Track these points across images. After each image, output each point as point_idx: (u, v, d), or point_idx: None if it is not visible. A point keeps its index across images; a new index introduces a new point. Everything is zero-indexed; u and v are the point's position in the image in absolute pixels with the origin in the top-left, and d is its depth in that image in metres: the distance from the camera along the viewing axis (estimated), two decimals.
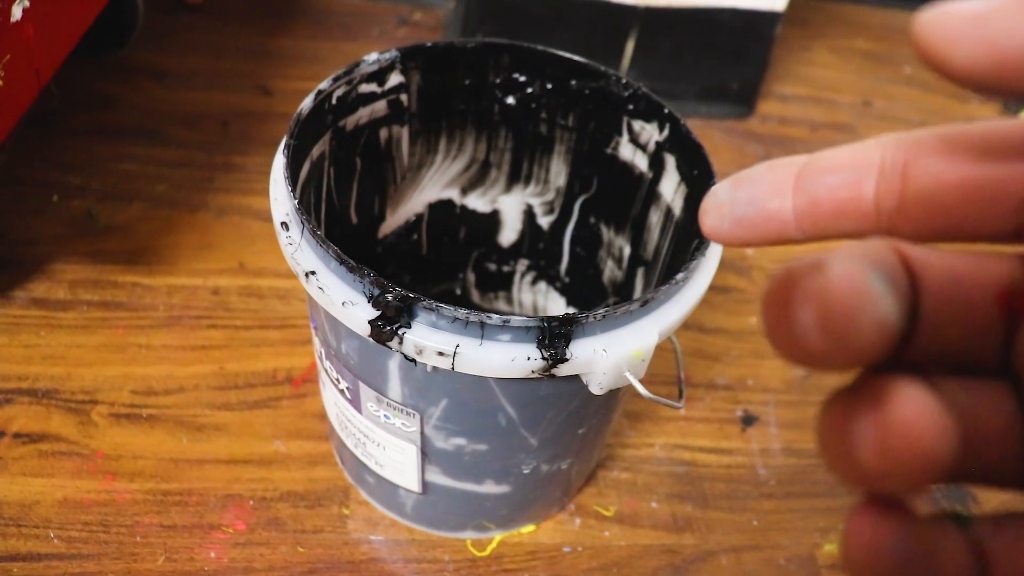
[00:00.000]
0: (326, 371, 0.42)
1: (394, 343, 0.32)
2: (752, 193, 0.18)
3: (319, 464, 0.50)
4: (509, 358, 0.32)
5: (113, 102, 0.70)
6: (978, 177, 0.16)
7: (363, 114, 0.44)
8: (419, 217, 0.51)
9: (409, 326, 0.32)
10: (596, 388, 0.34)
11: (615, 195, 0.48)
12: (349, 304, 0.33)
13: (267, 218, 0.63)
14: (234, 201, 0.64)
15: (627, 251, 0.49)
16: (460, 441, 0.39)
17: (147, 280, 0.57)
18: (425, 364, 0.34)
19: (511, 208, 0.52)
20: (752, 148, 0.79)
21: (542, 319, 0.32)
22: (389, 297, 0.32)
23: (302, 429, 0.51)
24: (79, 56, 0.65)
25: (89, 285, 0.57)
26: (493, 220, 0.53)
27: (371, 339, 0.33)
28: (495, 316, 0.31)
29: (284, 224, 0.35)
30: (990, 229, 0.16)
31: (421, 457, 0.41)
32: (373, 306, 0.32)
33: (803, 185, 0.17)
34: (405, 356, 0.33)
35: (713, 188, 0.19)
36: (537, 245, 0.53)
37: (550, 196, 0.51)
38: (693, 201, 0.42)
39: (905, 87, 0.91)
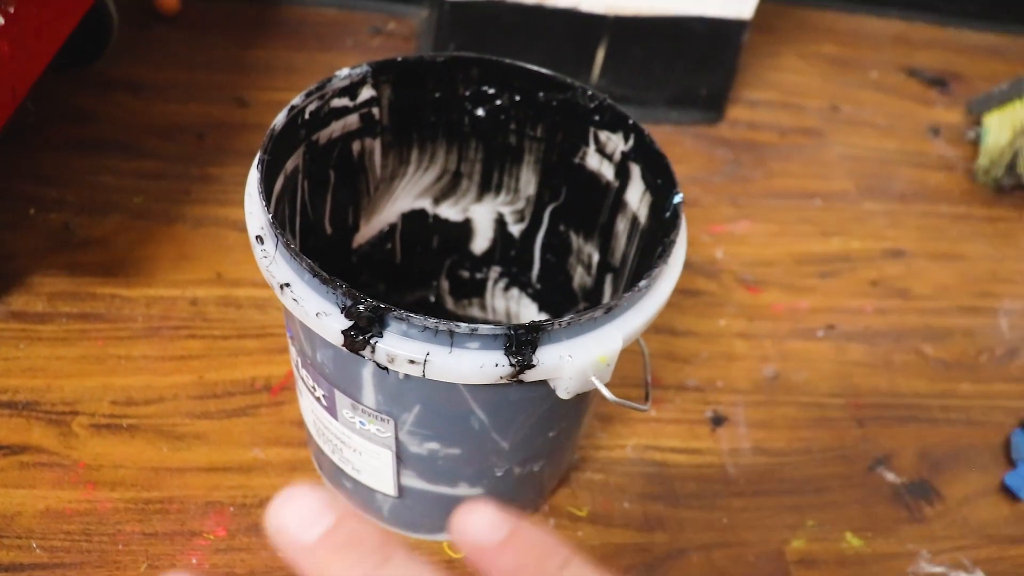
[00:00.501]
0: (302, 379, 0.43)
1: (367, 352, 0.33)
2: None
3: (297, 470, 0.51)
4: (478, 365, 0.33)
5: (89, 115, 0.70)
6: None
7: (336, 128, 0.45)
8: (392, 227, 0.52)
9: (381, 335, 0.33)
10: (563, 392, 0.35)
11: (583, 204, 0.49)
12: (323, 315, 0.34)
13: (244, 228, 0.63)
14: (211, 212, 0.64)
15: (596, 258, 0.50)
16: (434, 446, 0.41)
17: (125, 292, 0.58)
18: (397, 372, 0.35)
19: (483, 217, 0.53)
20: (721, 153, 0.80)
21: (509, 327, 0.33)
22: (361, 308, 0.33)
23: (281, 436, 0.52)
24: (54, 70, 0.65)
25: (67, 297, 0.57)
26: (465, 229, 0.54)
27: (344, 348, 0.34)
28: (463, 325, 0.32)
29: (259, 238, 0.36)
30: None
31: (396, 462, 0.42)
32: (346, 317, 0.33)
33: None
34: (378, 364, 0.34)
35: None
36: (509, 252, 0.55)
37: (520, 205, 0.52)
38: (657, 209, 0.43)
39: (872, 92, 0.93)
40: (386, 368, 0.34)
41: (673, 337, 0.63)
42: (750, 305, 0.67)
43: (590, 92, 0.45)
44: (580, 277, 0.52)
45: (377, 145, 0.48)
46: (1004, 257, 0.77)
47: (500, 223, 0.53)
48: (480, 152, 0.50)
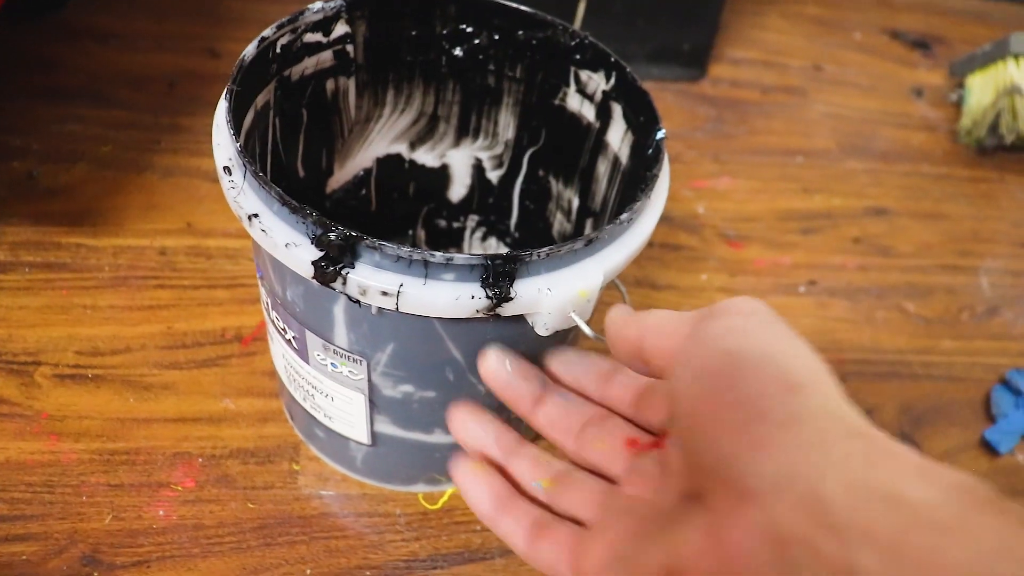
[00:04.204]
0: (273, 322, 0.41)
1: (337, 284, 0.32)
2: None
3: (269, 421, 0.49)
4: (453, 297, 0.32)
5: (55, 64, 0.68)
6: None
7: (308, 64, 0.43)
8: (367, 172, 0.51)
9: (352, 266, 0.32)
10: (542, 329, 0.34)
11: (563, 147, 0.48)
12: (292, 245, 0.32)
13: (215, 179, 0.62)
14: (181, 162, 0.63)
15: (576, 203, 0.49)
16: (408, 388, 0.39)
17: (92, 241, 0.56)
18: (370, 306, 0.33)
19: (460, 162, 0.52)
20: (704, 110, 0.79)
21: (486, 257, 0.31)
22: (332, 236, 0.31)
23: (252, 387, 0.51)
24: (18, 16, 0.63)
25: (31, 247, 0.55)
26: (442, 175, 0.52)
27: (315, 281, 0.32)
28: (438, 254, 0.31)
29: (226, 168, 0.35)
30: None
31: (370, 407, 0.41)
32: (316, 247, 0.32)
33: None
34: (349, 297, 0.33)
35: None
36: (487, 200, 0.53)
37: (499, 149, 0.51)
38: (639, 147, 0.42)
39: (855, 52, 0.92)
40: (358, 302, 0.33)
41: (654, 291, 0.62)
42: (732, 260, 0.66)
43: (571, 30, 0.44)
44: (560, 224, 0.51)
45: (352, 84, 0.46)
46: (985, 217, 0.77)
47: (478, 169, 0.52)
48: (458, 94, 0.48)
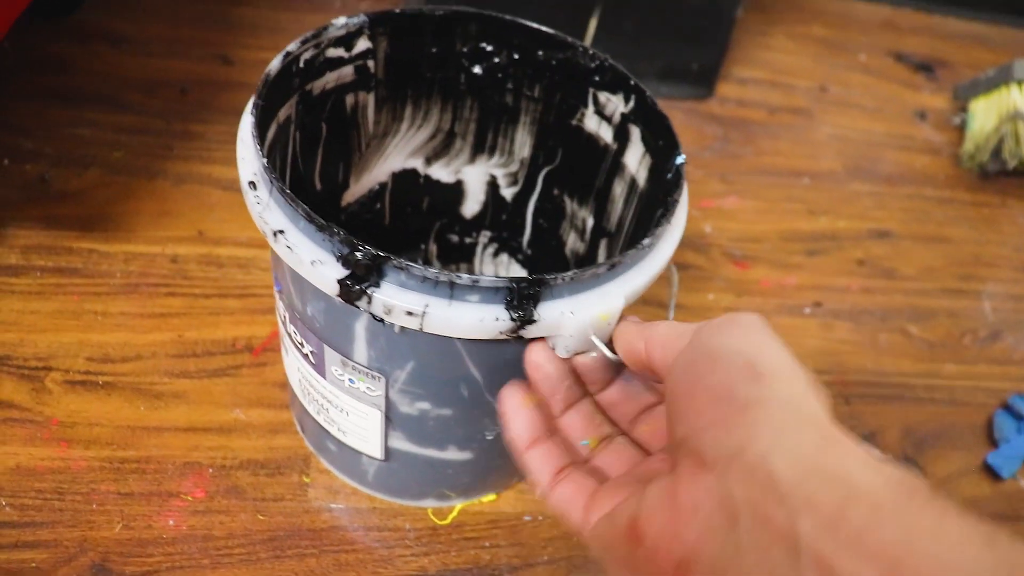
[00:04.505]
0: (290, 335, 0.41)
1: (362, 302, 0.32)
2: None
3: (279, 433, 0.50)
4: (478, 318, 0.32)
5: (68, 66, 0.68)
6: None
7: (330, 79, 0.44)
8: (383, 186, 0.51)
9: (378, 285, 0.32)
10: (562, 351, 0.34)
11: (579, 167, 0.48)
12: (318, 263, 0.32)
13: (227, 187, 0.62)
14: (194, 169, 0.63)
15: (590, 222, 0.49)
16: (425, 405, 0.40)
17: (103, 247, 0.56)
18: (393, 325, 0.34)
19: (475, 179, 0.52)
20: (711, 129, 0.80)
21: (511, 280, 0.32)
22: (359, 255, 0.32)
23: (262, 397, 0.51)
24: (32, 18, 0.63)
25: (43, 251, 0.55)
26: (457, 191, 0.53)
27: (339, 299, 0.33)
28: (464, 276, 0.31)
29: (252, 183, 0.35)
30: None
31: (385, 422, 0.41)
32: (343, 265, 0.32)
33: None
34: (373, 316, 0.33)
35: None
36: (500, 217, 0.54)
37: (514, 167, 0.51)
38: (657, 172, 0.42)
39: (860, 74, 0.93)
40: (382, 320, 0.33)
41: (661, 310, 0.62)
42: (738, 280, 0.66)
43: (591, 52, 0.44)
44: (573, 243, 0.51)
45: (371, 99, 0.46)
46: (988, 241, 0.77)
47: (492, 185, 0.52)
48: (475, 111, 0.49)
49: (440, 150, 0.51)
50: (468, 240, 0.55)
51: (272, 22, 0.78)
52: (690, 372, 0.27)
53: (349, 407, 0.41)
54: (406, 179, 0.51)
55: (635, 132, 0.44)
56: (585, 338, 0.34)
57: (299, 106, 0.42)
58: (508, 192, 0.52)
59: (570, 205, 0.50)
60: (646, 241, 0.35)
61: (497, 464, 0.46)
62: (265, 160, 0.34)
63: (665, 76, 0.80)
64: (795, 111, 0.85)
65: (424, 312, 0.32)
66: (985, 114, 0.84)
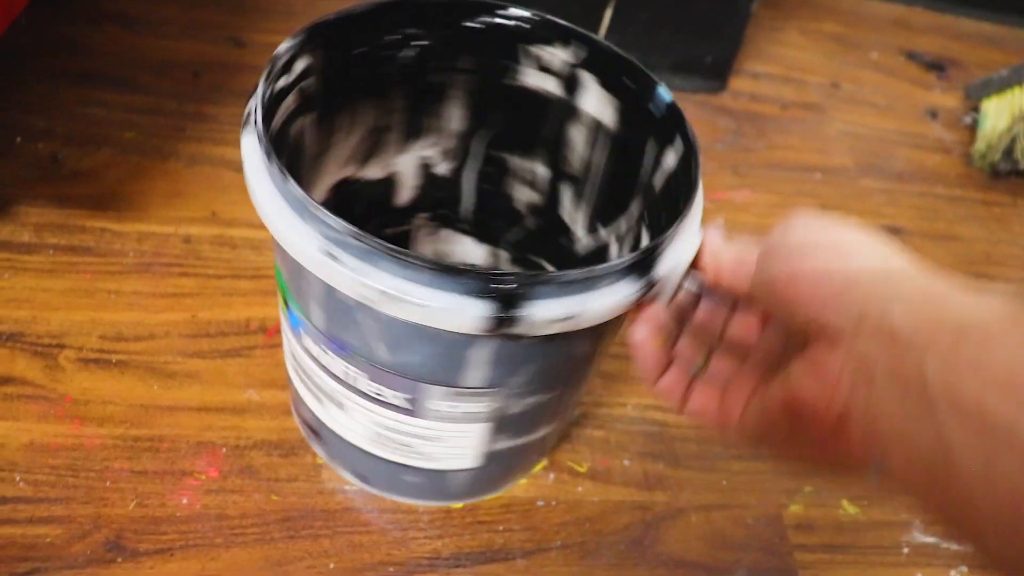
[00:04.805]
0: (358, 392, 0.40)
1: (509, 327, 0.32)
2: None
3: (292, 414, 0.49)
4: (616, 300, 0.34)
5: (80, 47, 0.68)
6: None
7: (281, 112, 0.40)
8: (325, 203, 0.49)
9: (523, 307, 0.32)
10: (662, 300, 0.37)
11: (521, 123, 0.48)
12: (448, 310, 0.32)
13: (239, 168, 0.61)
14: (206, 150, 0.62)
15: (541, 171, 0.49)
16: (534, 399, 0.40)
17: (116, 226, 0.56)
18: (521, 337, 0.34)
19: (407, 166, 0.51)
20: (724, 122, 0.80)
21: (635, 255, 0.34)
22: (505, 285, 0.31)
23: (276, 379, 0.51)
24: None
25: (55, 229, 0.55)
26: (389, 183, 0.51)
27: (482, 334, 0.32)
28: (599, 267, 0.33)
29: (331, 253, 0.34)
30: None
31: (491, 430, 0.41)
32: (488, 299, 0.32)
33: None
34: (506, 336, 0.33)
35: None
36: (434, 195, 0.52)
37: (449, 143, 0.50)
38: (633, 111, 0.43)
39: (872, 72, 0.93)
40: (519, 337, 0.33)
41: None
42: None
43: (519, 12, 0.44)
44: (523, 195, 0.51)
45: (309, 121, 0.44)
46: (998, 240, 0.77)
47: (425, 167, 0.51)
48: (405, 100, 0.47)
49: (373, 149, 0.49)
50: (404, 227, 0.54)
51: (285, 5, 0.77)
52: (784, 267, 0.30)
53: (445, 434, 0.41)
54: (343, 188, 0.49)
55: (587, 77, 0.44)
56: (678, 283, 0.37)
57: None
58: (443, 168, 0.51)
59: (512, 160, 0.50)
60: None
61: (559, 430, 0.48)
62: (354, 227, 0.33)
63: (678, 69, 0.80)
64: (807, 107, 0.85)
65: (573, 316, 0.33)
66: (997, 114, 0.84)
